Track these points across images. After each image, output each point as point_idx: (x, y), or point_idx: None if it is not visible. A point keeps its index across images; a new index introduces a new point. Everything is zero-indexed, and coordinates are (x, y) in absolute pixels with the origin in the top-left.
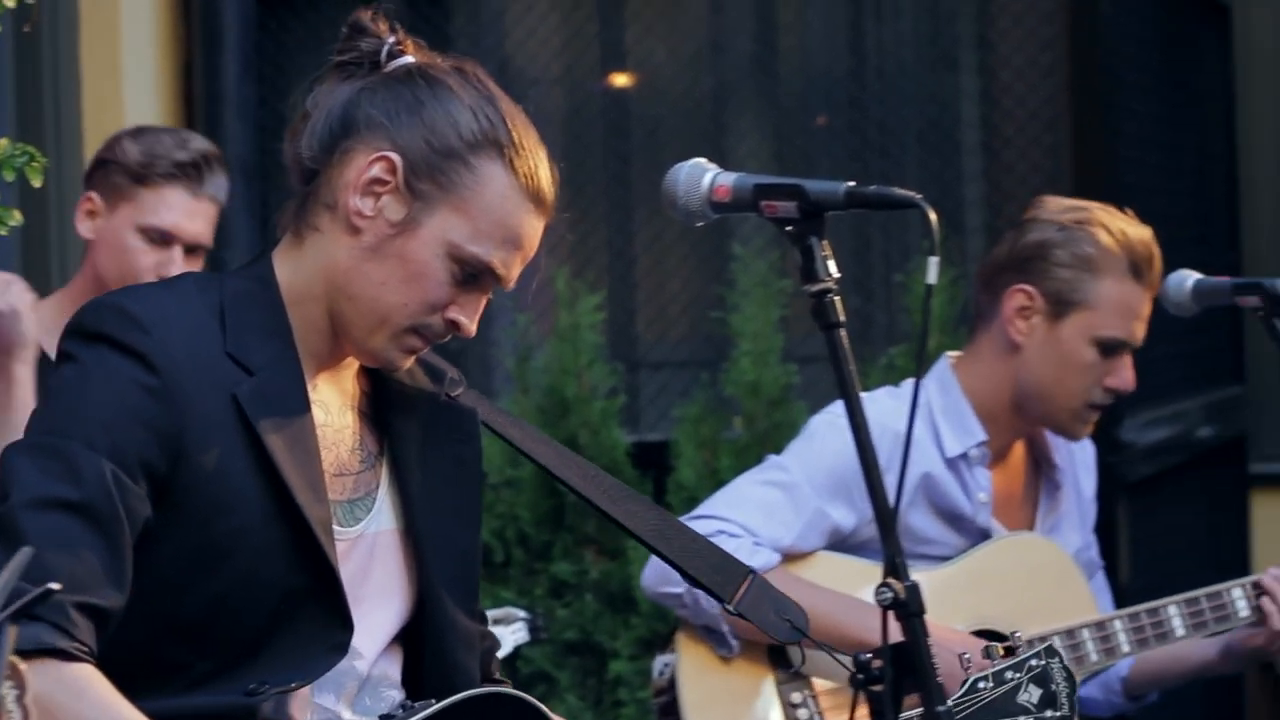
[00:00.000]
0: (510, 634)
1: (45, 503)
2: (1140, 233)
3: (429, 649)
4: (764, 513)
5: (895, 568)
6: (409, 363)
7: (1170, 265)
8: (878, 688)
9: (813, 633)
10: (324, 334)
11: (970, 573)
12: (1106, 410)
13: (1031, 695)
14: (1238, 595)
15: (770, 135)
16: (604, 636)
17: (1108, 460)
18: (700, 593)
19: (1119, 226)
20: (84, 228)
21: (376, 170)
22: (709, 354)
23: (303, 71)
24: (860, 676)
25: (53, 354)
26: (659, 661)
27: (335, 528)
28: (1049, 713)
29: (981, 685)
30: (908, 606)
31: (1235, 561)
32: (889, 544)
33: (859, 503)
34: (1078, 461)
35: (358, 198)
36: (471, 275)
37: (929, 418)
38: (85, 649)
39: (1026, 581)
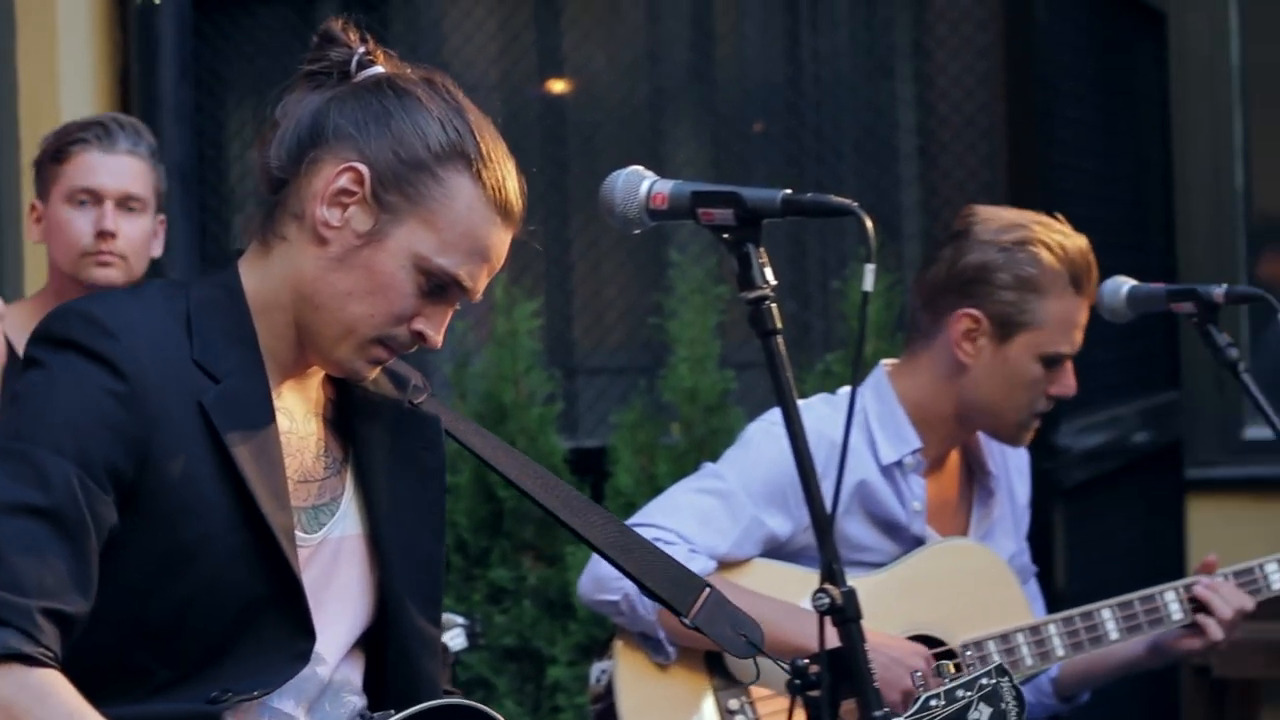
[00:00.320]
0: (448, 640)
1: (12, 508)
2: (1078, 243)
3: (391, 654)
4: (700, 520)
5: (832, 574)
6: (375, 373)
7: (1106, 272)
8: (815, 693)
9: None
10: (290, 343)
11: (904, 579)
12: (1043, 415)
13: (982, 714)
14: (1171, 598)
15: (707, 142)
16: (542, 642)
17: (1043, 466)
18: (637, 599)
19: (1057, 241)
20: (35, 233)
21: (344, 181)
22: (646, 360)
23: (240, 77)
24: (797, 682)
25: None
26: (596, 668)
27: (299, 534)
28: None
29: (934, 703)
30: (845, 612)
31: (1171, 567)
32: (826, 550)
33: (795, 511)
34: (1011, 468)
35: (325, 208)
36: (438, 287)
37: (864, 425)
38: (50, 654)
39: (960, 587)
